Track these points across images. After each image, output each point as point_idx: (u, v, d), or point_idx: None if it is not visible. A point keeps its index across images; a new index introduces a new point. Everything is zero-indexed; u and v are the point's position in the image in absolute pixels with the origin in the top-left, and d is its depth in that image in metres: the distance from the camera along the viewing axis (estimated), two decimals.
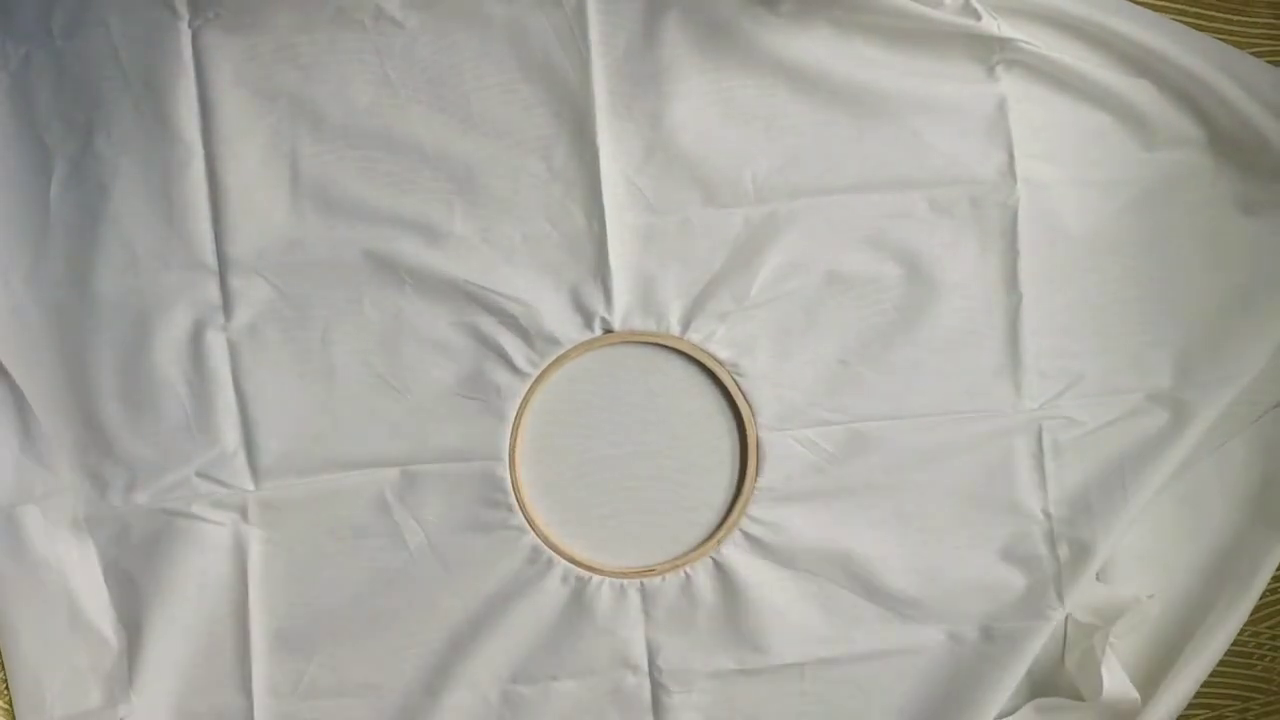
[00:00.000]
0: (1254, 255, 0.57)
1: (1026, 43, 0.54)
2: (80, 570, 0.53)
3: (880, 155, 0.55)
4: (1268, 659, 0.56)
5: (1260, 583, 0.54)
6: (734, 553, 0.54)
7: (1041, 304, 0.56)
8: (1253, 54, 0.56)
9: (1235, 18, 0.56)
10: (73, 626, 0.52)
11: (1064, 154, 0.55)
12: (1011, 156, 0.55)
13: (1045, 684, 0.56)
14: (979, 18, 0.53)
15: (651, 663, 0.54)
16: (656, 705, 0.54)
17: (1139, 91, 0.55)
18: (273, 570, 0.54)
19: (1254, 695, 0.56)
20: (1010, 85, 0.55)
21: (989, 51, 0.54)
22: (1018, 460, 0.55)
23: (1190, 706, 0.54)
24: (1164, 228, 0.56)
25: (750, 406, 0.55)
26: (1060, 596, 0.54)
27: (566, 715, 0.54)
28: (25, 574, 0.52)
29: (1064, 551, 0.55)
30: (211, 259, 0.53)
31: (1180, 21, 0.56)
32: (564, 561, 0.54)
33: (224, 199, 0.53)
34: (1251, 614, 0.54)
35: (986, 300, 0.55)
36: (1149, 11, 0.55)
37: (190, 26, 0.53)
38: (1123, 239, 0.56)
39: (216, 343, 0.53)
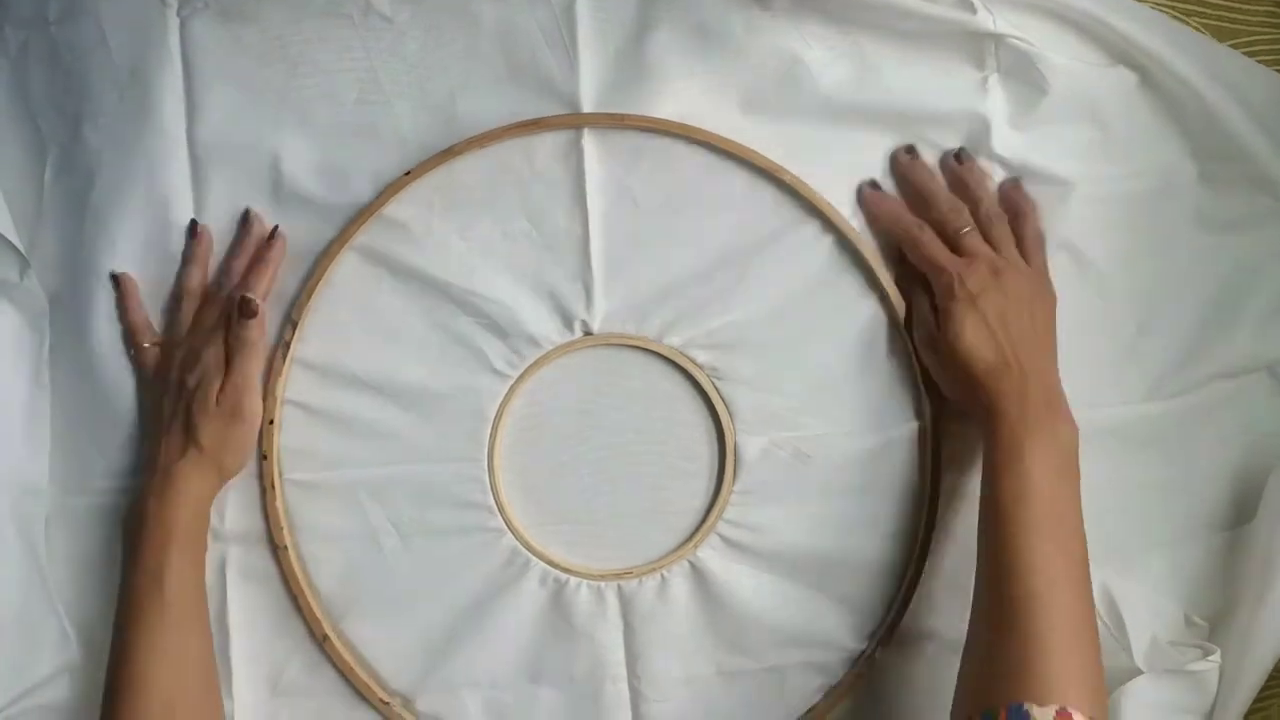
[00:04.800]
0: (1235, 270, 0.56)
1: (1019, 39, 0.53)
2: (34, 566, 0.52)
3: (869, 165, 0.55)
4: None
5: None
6: (711, 556, 0.54)
7: None
8: (1251, 43, 0.55)
9: (1235, 4, 0.56)
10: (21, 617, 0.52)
11: (1048, 171, 0.55)
12: (994, 173, 0.55)
13: None
14: (974, 11, 0.53)
15: (630, 670, 0.54)
16: (636, 713, 0.54)
17: (1125, 105, 0.55)
18: (249, 572, 0.53)
19: None
20: (999, 101, 0.54)
21: (983, 54, 0.54)
22: None
23: None
24: (1145, 243, 0.56)
25: (729, 411, 0.54)
26: None
27: None
28: None
29: None
30: (191, 251, 0.53)
31: (1178, 9, 0.55)
32: (542, 563, 0.54)
33: (205, 192, 0.53)
34: None
35: None
36: (1146, 8, 0.55)
37: (179, 16, 0.53)
38: (1103, 255, 0.55)
39: None
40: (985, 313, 0.50)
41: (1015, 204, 0.54)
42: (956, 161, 0.54)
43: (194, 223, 0.53)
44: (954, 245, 0.53)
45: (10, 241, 0.52)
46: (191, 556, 0.50)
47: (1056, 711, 0.42)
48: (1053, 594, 0.45)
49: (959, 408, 0.53)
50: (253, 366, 0.52)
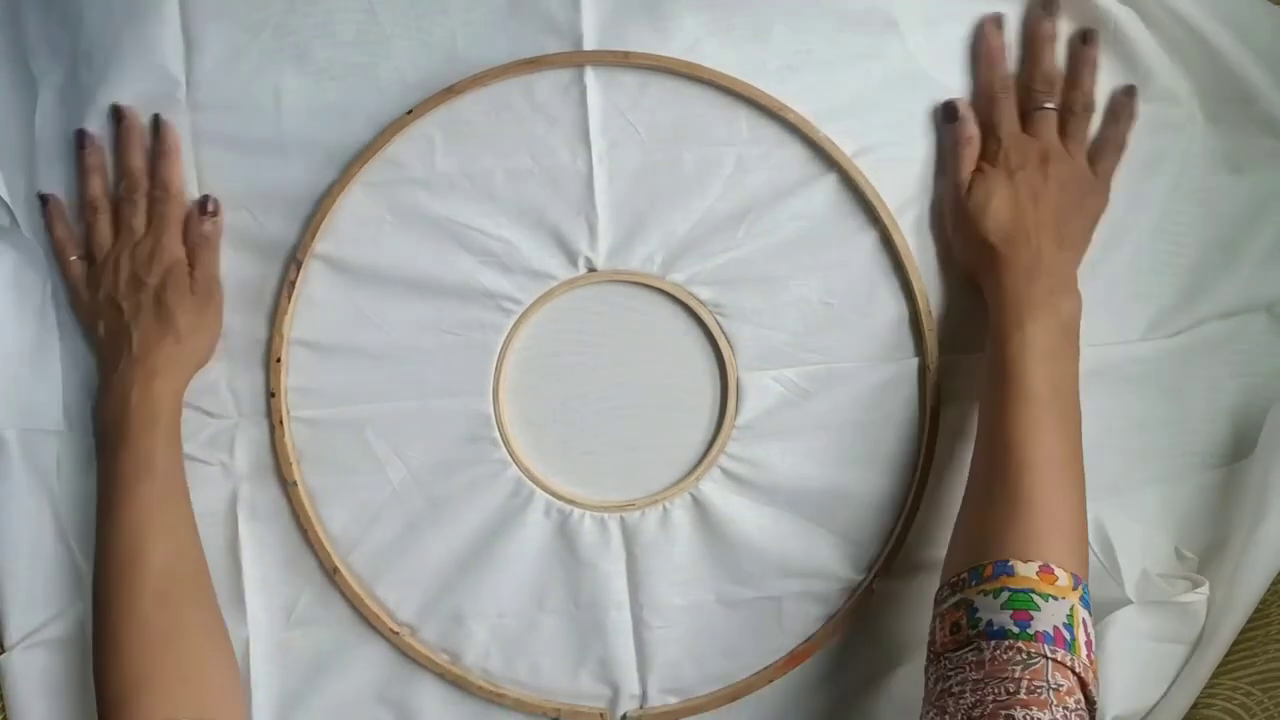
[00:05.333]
0: (1240, 211, 0.56)
1: None
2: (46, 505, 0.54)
3: (875, 92, 0.54)
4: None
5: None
6: (712, 488, 0.55)
7: None
8: None
9: None
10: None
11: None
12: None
13: None
14: None
15: (633, 598, 0.55)
16: (639, 640, 0.55)
17: (1129, 42, 0.54)
18: (259, 508, 0.55)
19: None
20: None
21: None
22: None
23: None
24: (1151, 183, 0.56)
25: (731, 346, 0.55)
26: None
27: (553, 650, 0.55)
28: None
29: None
30: (194, 192, 0.54)
31: None
32: (546, 495, 0.55)
33: (204, 130, 0.53)
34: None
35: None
36: None
37: None
38: (1111, 194, 0.55)
39: None
40: (1018, 187, 0.51)
41: (1117, 107, 0.54)
42: (1081, 41, 0.53)
43: (82, 132, 0.53)
44: (1026, 118, 0.53)
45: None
46: (175, 440, 0.52)
47: (1039, 567, 0.43)
48: (1042, 459, 0.46)
49: (969, 279, 0.54)
50: (216, 258, 0.54)
